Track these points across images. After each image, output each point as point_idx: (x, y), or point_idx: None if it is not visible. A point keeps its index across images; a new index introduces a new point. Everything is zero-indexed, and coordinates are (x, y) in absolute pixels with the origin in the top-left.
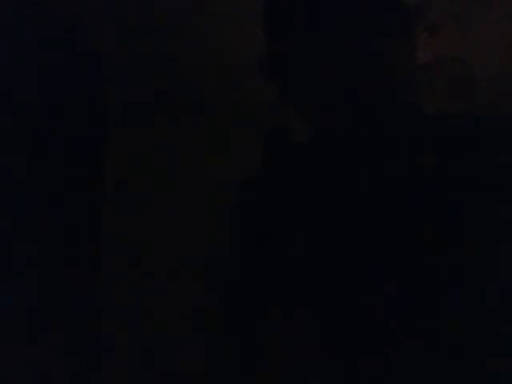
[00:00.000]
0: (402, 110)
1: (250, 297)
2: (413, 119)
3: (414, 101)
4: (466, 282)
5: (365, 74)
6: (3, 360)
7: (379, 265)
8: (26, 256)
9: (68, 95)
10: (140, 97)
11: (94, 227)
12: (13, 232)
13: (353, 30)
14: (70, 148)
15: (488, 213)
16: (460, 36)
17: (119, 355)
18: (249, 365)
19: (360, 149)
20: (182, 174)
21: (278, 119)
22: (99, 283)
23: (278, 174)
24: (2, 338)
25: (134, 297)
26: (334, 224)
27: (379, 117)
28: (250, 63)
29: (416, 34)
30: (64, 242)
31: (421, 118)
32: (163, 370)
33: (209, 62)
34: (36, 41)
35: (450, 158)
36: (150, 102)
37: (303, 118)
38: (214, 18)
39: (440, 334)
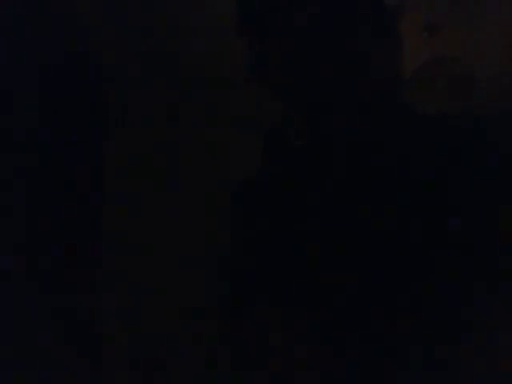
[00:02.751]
0: (402, 110)
1: (250, 297)
2: (413, 119)
3: (414, 101)
4: (465, 282)
5: (364, 74)
6: (3, 360)
7: (380, 265)
8: (25, 256)
9: (68, 95)
10: (140, 97)
11: (94, 227)
12: (12, 232)
13: (337, 31)
14: (69, 148)
15: (488, 213)
16: (460, 36)
17: (119, 355)
18: (248, 365)
19: (360, 149)
20: (182, 173)
21: (278, 119)
22: (99, 283)
23: (277, 174)
24: (1, 337)
25: (134, 297)
26: (334, 224)
27: (379, 117)
28: None
29: (399, 34)
30: (64, 242)
31: (421, 118)
32: (163, 369)
33: (209, 62)
34: (36, 41)
35: (449, 157)
36: (150, 102)
37: (303, 118)
38: (213, 18)
39: (440, 334)
